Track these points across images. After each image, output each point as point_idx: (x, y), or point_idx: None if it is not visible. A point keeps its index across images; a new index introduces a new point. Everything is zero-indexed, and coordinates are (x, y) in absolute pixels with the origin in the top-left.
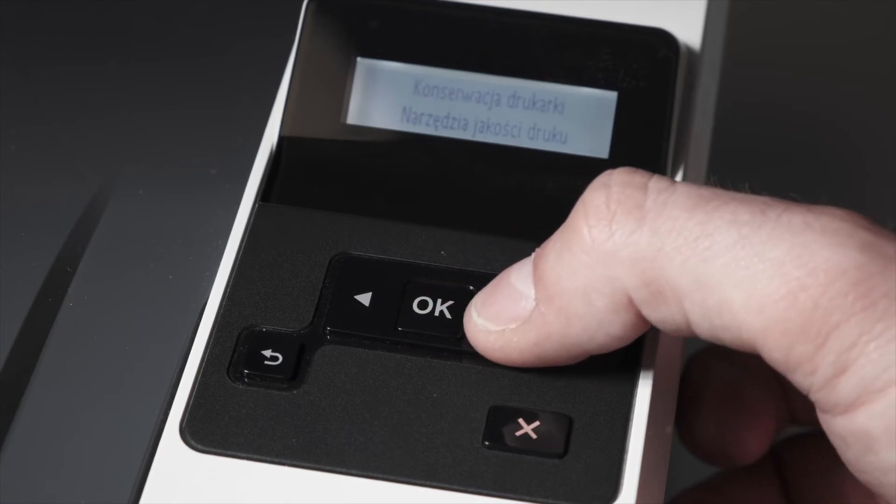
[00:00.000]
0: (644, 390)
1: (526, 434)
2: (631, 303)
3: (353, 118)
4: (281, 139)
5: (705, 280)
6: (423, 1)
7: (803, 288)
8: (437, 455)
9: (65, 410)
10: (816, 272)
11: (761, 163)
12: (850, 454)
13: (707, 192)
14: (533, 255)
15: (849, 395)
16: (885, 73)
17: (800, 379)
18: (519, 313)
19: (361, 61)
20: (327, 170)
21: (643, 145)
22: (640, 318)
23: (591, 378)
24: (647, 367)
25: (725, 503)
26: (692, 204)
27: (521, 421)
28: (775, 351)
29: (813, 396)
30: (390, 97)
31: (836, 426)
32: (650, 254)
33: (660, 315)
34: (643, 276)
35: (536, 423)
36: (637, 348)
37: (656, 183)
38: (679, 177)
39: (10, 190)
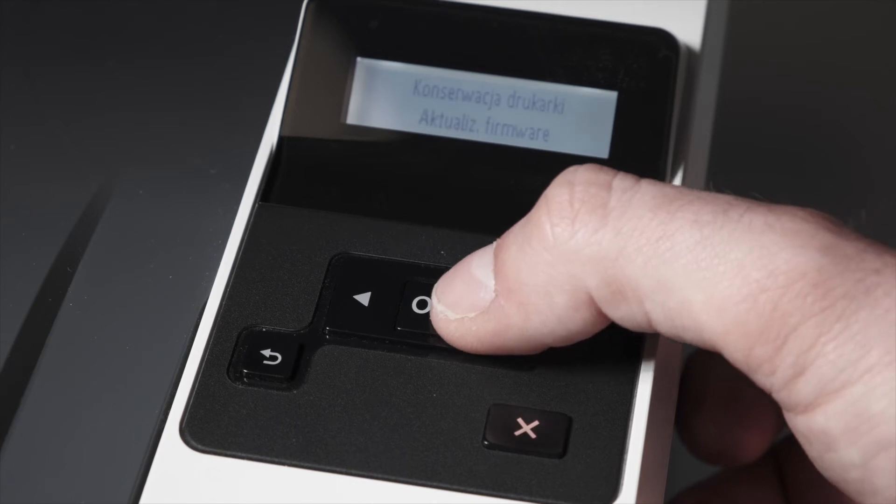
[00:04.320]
0: (644, 390)
1: (525, 434)
2: (591, 300)
3: (353, 118)
4: (281, 139)
5: (666, 281)
6: (423, 1)
7: (763, 290)
8: (437, 455)
9: (65, 410)
10: (776, 274)
11: (761, 162)
12: (813, 452)
13: (672, 191)
14: (494, 244)
15: (808, 396)
16: (885, 73)
17: (761, 379)
18: (478, 303)
19: (361, 61)
20: (327, 170)
21: (643, 145)
22: (601, 315)
23: (591, 378)
24: (647, 367)
25: (725, 503)
26: (656, 204)
27: (520, 420)
28: (736, 352)
29: (775, 396)
30: (390, 97)
31: (798, 425)
32: (612, 254)
33: (621, 313)
34: (604, 276)
35: (536, 423)
36: (637, 348)
37: (620, 182)
38: (679, 177)
39: (10, 190)
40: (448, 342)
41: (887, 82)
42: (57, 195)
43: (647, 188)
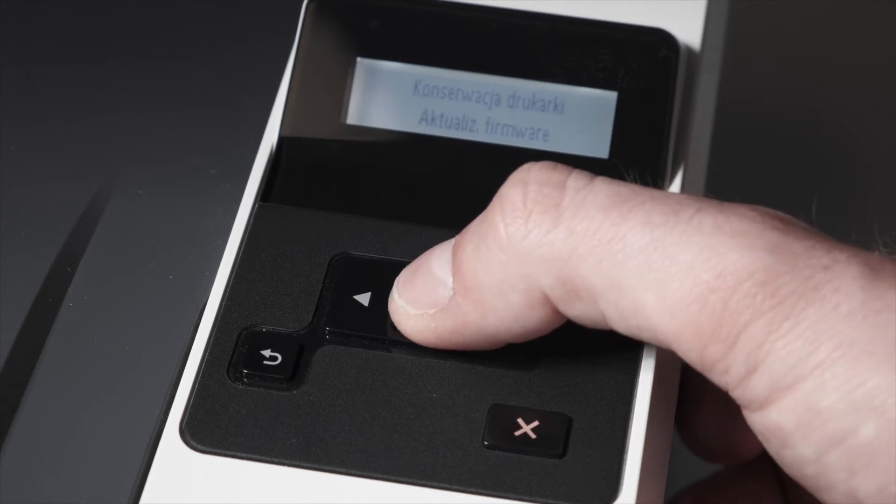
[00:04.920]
0: (644, 390)
1: (525, 434)
2: (546, 299)
3: (353, 118)
4: (281, 139)
5: (618, 282)
6: (423, 1)
7: (712, 290)
8: (437, 455)
9: (65, 410)
10: (725, 275)
11: (761, 162)
12: (771, 449)
13: (625, 190)
14: (453, 241)
15: (761, 393)
16: (885, 73)
17: (716, 378)
18: (437, 300)
19: (361, 61)
20: (327, 170)
21: (643, 145)
22: (557, 313)
23: (591, 378)
24: (647, 367)
25: (724, 501)
26: (609, 204)
27: (520, 421)
28: (690, 352)
29: (732, 394)
30: (390, 97)
31: (755, 422)
32: (565, 254)
33: (576, 311)
34: (558, 276)
35: (536, 423)
36: (637, 348)
37: (574, 181)
38: (679, 177)
39: (10, 190)
40: (407, 336)
41: (887, 82)
42: (57, 195)
43: (601, 187)
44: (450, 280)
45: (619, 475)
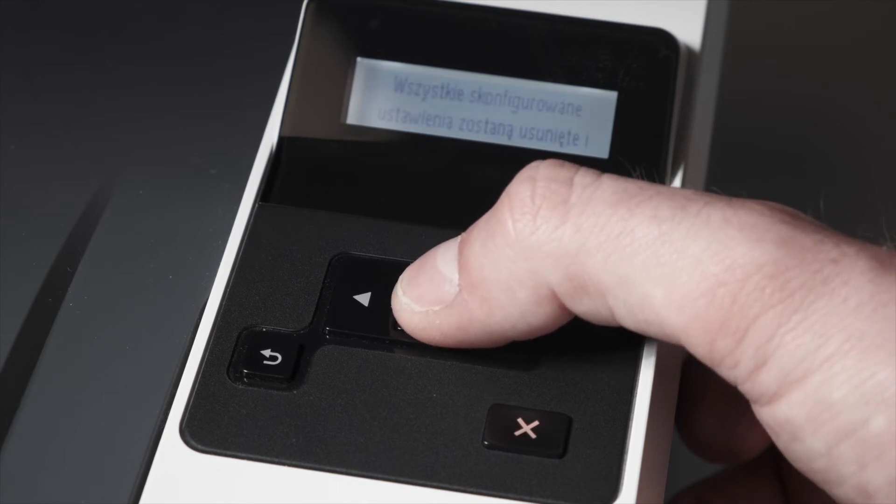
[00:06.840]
0: (644, 390)
1: (525, 434)
2: (554, 296)
3: (353, 118)
4: (281, 139)
5: (626, 277)
6: (423, 1)
7: (721, 284)
8: (437, 455)
9: (65, 410)
10: (734, 268)
11: (761, 162)
12: (780, 443)
13: (632, 186)
14: (459, 238)
15: (771, 386)
16: (885, 73)
17: (725, 373)
18: (443, 297)
19: (361, 61)
20: (327, 170)
21: (643, 145)
22: (564, 310)
23: (590, 378)
24: (647, 367)
25: (725, 501)
26: (616, 200)
27: (520, 421)
28: (698, 346)
29: (740, 389)
30: (390, 97)
31: (764, 416)
32: (572, 250)
33: (584, 308)
34: (566, 272)
35: (536, 423)
36: (637, 348)
37: (582, 178)
38: (679, 176)
39: (10, 190)
40: (410, 334)
41: (887, 82)
42: (57, 195)
43: (608, 184)
44: (455, 277)
45: (619, 475)
